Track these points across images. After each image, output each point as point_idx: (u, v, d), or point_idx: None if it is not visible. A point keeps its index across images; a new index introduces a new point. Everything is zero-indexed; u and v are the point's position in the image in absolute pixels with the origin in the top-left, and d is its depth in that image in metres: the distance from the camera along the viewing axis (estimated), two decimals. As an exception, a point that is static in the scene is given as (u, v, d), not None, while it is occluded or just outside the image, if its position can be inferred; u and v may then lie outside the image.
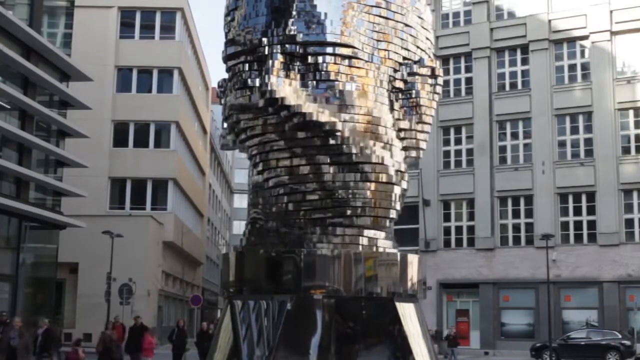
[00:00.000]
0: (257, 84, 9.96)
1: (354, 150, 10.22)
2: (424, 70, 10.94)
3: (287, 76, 10.06)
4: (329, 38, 10.27)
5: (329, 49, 10.28)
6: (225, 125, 11.48)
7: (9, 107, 25.89)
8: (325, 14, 10.27)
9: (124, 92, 41.84)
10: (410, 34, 10.97)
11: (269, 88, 9.84)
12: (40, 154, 28.37)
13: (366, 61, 10.45)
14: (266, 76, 9.86)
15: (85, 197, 31.45)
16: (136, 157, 41.17)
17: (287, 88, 9.99)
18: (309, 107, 10.06)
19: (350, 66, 10.34)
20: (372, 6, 10.59)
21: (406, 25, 10.94)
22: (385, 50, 10.66)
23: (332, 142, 10.17)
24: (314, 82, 10.18)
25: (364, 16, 10.49)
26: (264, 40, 10.22)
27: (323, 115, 10.09)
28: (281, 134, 10.30)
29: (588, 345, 31.00)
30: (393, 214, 10.81)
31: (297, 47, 10.15)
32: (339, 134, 10.14)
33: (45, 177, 27.84)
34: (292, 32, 10.10)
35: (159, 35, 43.02)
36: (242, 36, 10.53)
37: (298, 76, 10.13)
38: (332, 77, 10.22)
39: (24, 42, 25.67)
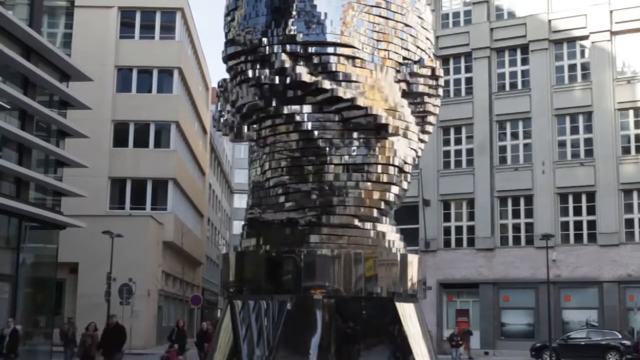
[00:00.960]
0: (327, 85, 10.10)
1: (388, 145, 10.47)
2: (424, 71, 10.95)
3: None
4: (329, 38, 10.28)
5: (330, 49, 10.30)
6: (232, 118, 11.42)
7: (9, 107, 25.85)
8: (325, 14, 10.29)
9: (124, 92, 41.84)
10: (410, 34, 10.98)
11: (332, 87, 10.02)
12: (40, 154, 28.32)
13: (366, 61, 10.47)
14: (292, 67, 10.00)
15: (85, 197, 31.42)
16: (136, 157, 41.16)
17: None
18: (379, 110, 10.31)
19: (354, 66, 10.39)
20: (372, 6, 10.60)
21: (406, 25, 10.94)
22: (386, 50, 10.67)
23: (379, 145, 10.33)
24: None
25: (364, 16, 10.51)
26: (264, 40, 10.23)
27: (392, 120, 10.30)
28: (302, 135, 10.33)
29: (588, 345, 30.99)
30: (387, 209, 10.85)
31: (298, 47, 10.17)
32: (395, 139, 10.36)
33: (45, 177, 27.80)
34: (292, 32, 10.11)
35: (159, 35, 43.01)
36: (242, 36, 10.54)
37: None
38: (342, 77, 10.33)
39: (24, 42, 25.62)
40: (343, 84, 10.26)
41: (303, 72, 9.99)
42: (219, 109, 11.71)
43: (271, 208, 10.71)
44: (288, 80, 10.03)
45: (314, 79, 10.04)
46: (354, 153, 10.30)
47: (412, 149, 10.79)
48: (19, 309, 25.95)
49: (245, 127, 11.03)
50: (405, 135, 10.63)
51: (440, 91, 11.25)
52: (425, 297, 28.96)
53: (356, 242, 10.42)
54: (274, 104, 10.30)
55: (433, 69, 11.02)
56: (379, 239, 10.63)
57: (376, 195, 10.50)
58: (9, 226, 25.64)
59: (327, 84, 10.05)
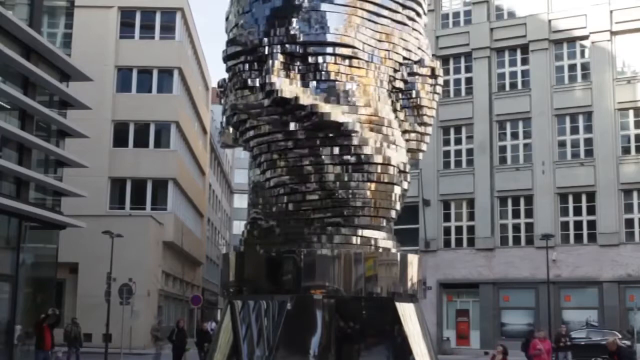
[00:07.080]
0: (261, 84, 9.90)
1: (365, 151, 10.18)
2: (424, 70, 10.92)
3: (287, 76, 9.99)
4: (329, 38, 10.24)
5: (329, 49, 10.25)
6: (224, 123, 11.45)
7: (9, 107, 25.86)
8: (327, 13, 10.25)
9: (124, 92, 41.87)
10: (411, 34, 10.95)
11: (275, 87, 9.76)
12: (40, 154, 28.34)
13: (366, 61, 10.42)
14: (268, 76, 9.81)
15: (85, 197, 31.45)
16: (136, 157, 41.19)
17: (297, 88, 9.95)
18: (325, 107, 10.01)
19: (350, 66, 10.31)
20: (374, 3, 10.57)
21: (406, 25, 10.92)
22: (386, 50, 10.64)
23: (345, 142, 10.11)
24: (314, 82, 10.14)
25: (364, 15, 10.48)
26: (265, 40, 10.19)
27: (341, 115, 10.06)
28: (287, 134, 10.23)
29: (588, 345, 30.97)
30: (393, 214, 10.79)
31: (298, 47, 10.11)
32: (355, 135, 10.11)
33: (45, 177, 27.82)
34: (293, 32, 10.07)
35: (159, 35, 43.04)
36: (243, 36, 10.51)
37: (298, 76, 10.07)
38: (332, 77, 10.18)
39: (24, 42, 25.64)
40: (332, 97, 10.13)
41: (285, 88, 9.82)
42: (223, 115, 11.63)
43: (271, 208, 10.71)
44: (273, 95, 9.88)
45: (295, 93, 9.88)
46: (362, 153, 10.19)
47: (402, 147, 10.68)
48: (19, 309, 25.96)
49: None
50: (395, 135, 10.53)
51: (439, 89, 11.19)
52: (425, 297, 28.99)
53: (356, 242, 10.38)
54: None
55: (433, 69, 10.99)
56: (380, 240, 10.59)
57: (377, 195, 10.44)
58: (9, 226, 25.66)
59: (274, 86, 9.83)
